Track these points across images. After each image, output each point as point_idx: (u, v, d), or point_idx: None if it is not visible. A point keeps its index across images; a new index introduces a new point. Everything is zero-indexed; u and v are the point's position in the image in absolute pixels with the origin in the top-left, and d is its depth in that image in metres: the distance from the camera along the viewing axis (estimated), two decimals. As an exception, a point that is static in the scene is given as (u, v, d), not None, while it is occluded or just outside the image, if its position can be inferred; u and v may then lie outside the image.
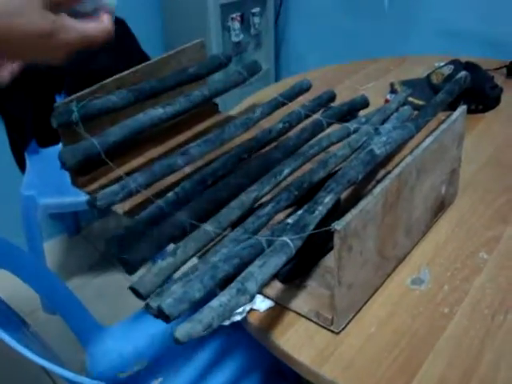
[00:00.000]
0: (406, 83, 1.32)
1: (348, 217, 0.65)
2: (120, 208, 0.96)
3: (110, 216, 2.23)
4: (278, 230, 0.76)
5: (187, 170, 1.03)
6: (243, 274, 0.63)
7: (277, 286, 0.79)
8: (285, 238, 0.70)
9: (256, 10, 1.94)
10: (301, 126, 1.07)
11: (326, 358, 0.71)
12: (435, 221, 0.92)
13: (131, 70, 1.11)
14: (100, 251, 2.08)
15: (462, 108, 0.89)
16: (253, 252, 0.70)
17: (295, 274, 0.80)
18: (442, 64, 1.35)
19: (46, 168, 1.78)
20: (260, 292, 0.78)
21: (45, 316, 1.84)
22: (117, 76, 1.08)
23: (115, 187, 0.90)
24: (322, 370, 0.70)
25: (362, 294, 0.76)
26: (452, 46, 1.50)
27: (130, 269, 0.77)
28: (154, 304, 0.64)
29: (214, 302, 0.59)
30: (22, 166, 1.80)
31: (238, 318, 0.76)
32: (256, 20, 1.95)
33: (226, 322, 0.74)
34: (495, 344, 0.71)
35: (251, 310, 0.77)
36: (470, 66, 1.32)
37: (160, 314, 0.61)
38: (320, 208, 0.71)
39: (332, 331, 0.74)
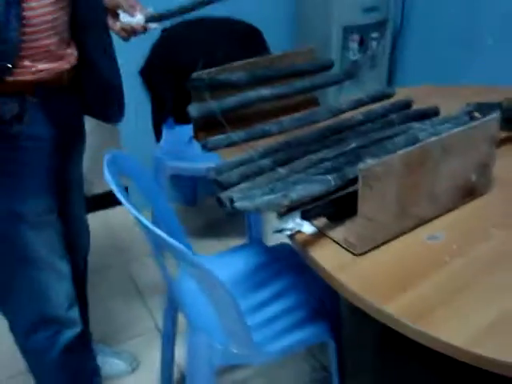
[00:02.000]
0: (480, 104, 1.52)
1: (371, 162, 0.91)
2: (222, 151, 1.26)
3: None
4: (328, 172, 1.03)
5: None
6: (291, 187, 0.92)
7: (322, 220, 1.07)
8: (328, 176, 0.97)
9: (375, 34, 2.22)
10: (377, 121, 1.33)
11: (344, 268, 0.97)
12: (464, 202, 1.14)
13: (252, 59, 1.43)
14: (209, 223, 2.42)
15: (495, 115, 1.11)
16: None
17: (337, 215, 1.07)
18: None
19: (176, 141, 2.17)
20: (308, 219, 1.05)
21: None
22: (240, 62, 1.40)
23: (222, 136, 1.23)
24: (339, 274, 0.96)
25: (382, 232, 1.01)
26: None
27: (223, 189, 1.07)
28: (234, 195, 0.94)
29: (267, 197, 0.88)
30: (158, 136, 2.20)
31: (287, 232, 1.04)
32: (374, 43, 2.23)
33: (278, 234, 1.03)
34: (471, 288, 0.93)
35: (299, 231, 1.05)
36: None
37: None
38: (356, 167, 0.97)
39: (354, 254, 0.99)
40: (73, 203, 1.37)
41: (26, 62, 1.05)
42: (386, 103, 1.41)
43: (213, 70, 1.36)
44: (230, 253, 1.55)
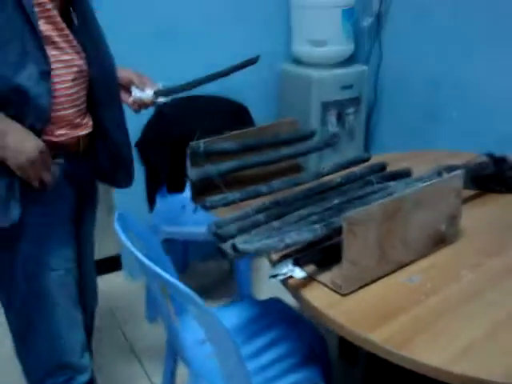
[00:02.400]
0: (449, 166, 1.70)
1: (354, 211, 1.06)
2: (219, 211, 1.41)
3: (212, 261, 2.69)
4: (315, 223, 1.17)
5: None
6: (285, 235, 1.06)
7: (312, 267, 1.20)
8: (316, 226, 1.12)
9: (351, 110, 2.44)
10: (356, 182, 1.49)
11: (332, 306, 1.10)
12: (437, 249, 1.29)
13: (242, 131, 1.60)
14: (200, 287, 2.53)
15: (459, 172, 1.28)
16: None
17: (324, 262, 1.20)
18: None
19: (170, 208, 2.30)
20: (299, 266, 1.18)
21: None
22: (232, 132, 1.57)
23: (219, 197, 1.38)
24: (329, 312, 1.08)
25: (365, 274, 1.14)
26: (504, 149, 1.84)
27: (222, 240, 1.21)
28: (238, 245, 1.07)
29: (265, 241, 1.02)
30: (151, 205, 2.34)
31: (281, 277, 1.16)
32: (350, 118, 2.44)
33: (273, 279, 1.15)
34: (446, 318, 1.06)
35: (291, 277, 1.18)
36: (501, 159, 1.68)
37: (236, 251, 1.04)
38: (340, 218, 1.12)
39: (340, 294, 1.12)
40: (85, 259, 1.48)
41: (48, 128, 1.20)
42: (363, 166, 1.58)
43: (208, 139, 1.52)
44: (224, 308, 1.65)
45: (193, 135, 1.52)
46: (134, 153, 2.33)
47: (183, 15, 2.36)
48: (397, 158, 1.77)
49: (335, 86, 2.35)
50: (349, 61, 2.48)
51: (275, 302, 1.66)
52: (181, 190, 2.43)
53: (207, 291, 2.48)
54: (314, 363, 1.42)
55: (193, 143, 1.49)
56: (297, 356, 1.44)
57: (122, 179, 1.46)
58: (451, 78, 2.20)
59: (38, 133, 1.16)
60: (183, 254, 2.56)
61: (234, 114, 2.26)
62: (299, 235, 1.08)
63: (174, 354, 1.56)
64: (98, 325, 2.24)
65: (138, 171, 2.39)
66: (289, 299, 1.63)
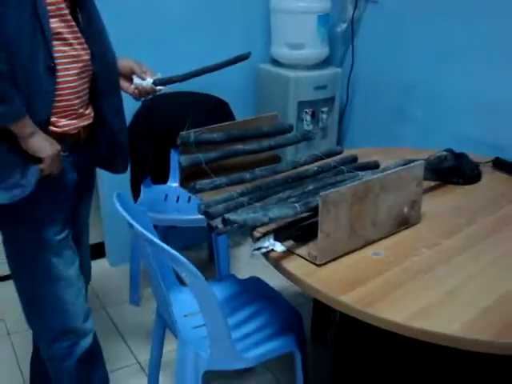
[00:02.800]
0: (411, 160, 1.88)
1: (328, 192, 1.23)
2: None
3: (192, 249, 2.84)
4: (294, 203, 1.33)
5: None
6: (269, 208, 1.22)
7: (291, 242, 1.36)
8: (296, 204, 1.28)
9: (325, 109, 2.61)
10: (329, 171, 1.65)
11: (309, 274, 1.26)
12: (401, 229, 1.46)
13: (228, 123, 1.75)
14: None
15: (420, 162, 1.45)
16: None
17: (302, 238, 1.36)
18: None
19: (153, 198, 2.44)
20: (279, 240, 1.34)
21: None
22: (219, 124, 1.72)
23: (207, 181, 1.53)
24: (307, 278, 1.24)
25: (338, 247, 1.30)
26: (461, 146, 2.02)
27: (211, 218, 1.36)
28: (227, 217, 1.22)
29: (250, 215, 1.18)
30: (135, 196, 2.47)
31: (263, 250, 1.32)
32: (324, 116, 2.61)
33: (256, 252, 1.31)
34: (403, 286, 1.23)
35: (272, 250, 1.33)
36: (460, 155, 1.87)
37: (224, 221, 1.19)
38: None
39: (316, 264, 1.28)
40: (83, 239, 1.61)
41: (54, 118, 1.33)
42: (336, 158, 1.75)
43: (198, 129, 1.66)
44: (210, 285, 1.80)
45: (177, 129, 1.66)
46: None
47: (170, 17, 2.51)
48: (367, 153, 1.94)
49: (310, 87, 2.52)
50: (324, 63, 2.66)
51: (254, 281, 1.81)
52: (164, 180, 2.58)
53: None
54: (289, 333, 1.58)
55: (183, 133, 1.63)
56: (274, 327, 1.59)
57: (119, 165, 1.59)
58: (418, 80, 2.39)
59: (45, 123, 1.29)
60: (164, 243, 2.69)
61: (216, 110, 2.41)
62: (281, 211, 1.24)
63: (163, 325, 1.70)
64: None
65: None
66: (266, 279, 1.80)
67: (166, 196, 2.46)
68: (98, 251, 2.75)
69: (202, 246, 2.83)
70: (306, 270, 1.28)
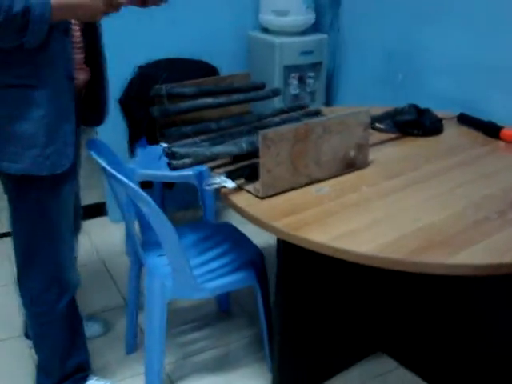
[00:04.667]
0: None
1: (268, 130, 1.36)
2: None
3: (189, 210, 3.00)
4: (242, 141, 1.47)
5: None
6: (215, 146, 1.36)
7: (241, 180, 1.50)
8: (242, 143, 1.42)
9: (311, 74, 2.73)
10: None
11: (252, 205, 1.40)
12: (348, 172, 1.59)
13: (200, 79, 1.89)
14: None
15: (366, 109, 1.58)
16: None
17: (251, 176, 1.50)
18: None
19: (148, 157, 2.60)
20: (231, 178, 1.48)
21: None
22: (192, 80, 1.86)
23: (174, 128, 1.68)
24: (248, 208, 1.38)
25: (280, 183, 1.44)
26: (437, 105, 2.12)
27: (173, 158, 1.50)
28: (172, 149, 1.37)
29: (194, 149, 1.32)
30: (132, 153, 2.64)
31: (215, 186, 1.46)
32: (311, 81, 2.73)
33: (208, 187, 1.45)
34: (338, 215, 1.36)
35: (224, 187, 1.48)
36: (423, 110, 1.98)
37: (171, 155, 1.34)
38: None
39: (259, 197, 1.42)
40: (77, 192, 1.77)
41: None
42: (300, 112, 1.88)
43: (170, 84, 1.81)
44: (182, 227, 1.94)
45: (163, 75, 1.80)
46: (117, 108, 2.65)
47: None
48: (340, 111, 2.05)
49: (296, 52, 2.64)
50: (311, 29, 2.77)
51: (226, 225, 1.97)
52: (159, 141, 2.73)
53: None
54: (251, 269, 1.73)
55: (156, 86, 1.78)
56: (236, 263, 1.74)
57: (96, 118, 1.71)
58: (400, 45, 2.48)
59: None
60: (160, 204, 2.86)
61: (206, 75, 2.54)
62: (225, 148, 1.39)
63: (137, 262, 1.87)
64: (82, 261, 2.57)
65: (121, 125, 2.70)
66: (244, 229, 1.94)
67: (160, 156, 2.61)
68: (101, 210, 2.94)
69: (199, 207, 2.98)
70: (249, 202, 1.42)
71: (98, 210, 2.93)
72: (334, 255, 1.25)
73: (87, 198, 2.81)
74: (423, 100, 2.19)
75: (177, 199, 2.94)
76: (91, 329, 2.04)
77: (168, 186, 2.83)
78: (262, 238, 1.88)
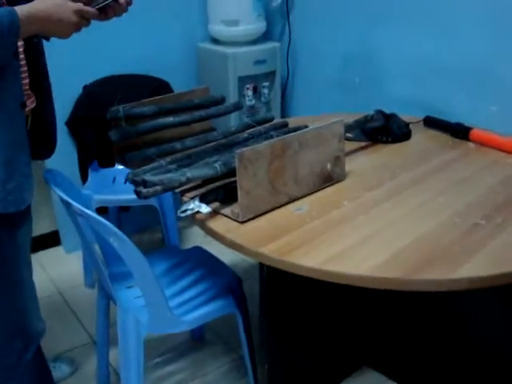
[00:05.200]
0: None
1: (244, 149, 1.27)
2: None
3: (146, 232, 2.87)
4: (216, 163, 1.38)
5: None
6: (187, 169, 1.26)
7: (216, 204, 1.40)
8: (215, 164, 1.32)
9: (266, 83, 2.65)
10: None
11: (231, 230, 1.30)
12: (325, 186, 1.51)
13: (159, 97, 1.78)
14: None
15: (340, 119, 1.51)
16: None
17: (227, 199, 1.40)
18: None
19: (101, 181, 2.46)
20: (205, 202, 1.38)
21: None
22: (150, 99, 1.75)
23: (137, 152, 1.56)
24: (229, 235, 1.28)
25: (259, 204, 1.35)
26: (399, 109, 2.08)
27: (138, 185, 1.39)
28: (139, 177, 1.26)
29: (167, 175, 1.21)
30: (83, 179, 2.49)
31: (189, 212, 1.36)
32: (265, 91, 2.66)
33: (182, 214, 1.35)
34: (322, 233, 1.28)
35: (198, 212, 1.37)
36: (390, 115, 1.93)
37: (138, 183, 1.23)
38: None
39: (239, 221, 1.33)
40: None
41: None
42: (267, 125, 1.79)
43: (128, 104, 1.69)
44: (151, 255, 1.82)
45: (117, 97, 1.68)
46: (65, 132, 2.50)
47: None
48: (305, 121, 1.98)
49: (249, 62, 2.56)
50: (263, 38, 2.69)
51: (197, 250, 1.86)
52: (112, 164, 2.60)
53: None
54: (229, 296, 1.63)
55: (113, 108, 1.66)
56: (213, 291, 1.64)
57: (44, 151, 1.51)
58: (355, 49, 2.44)
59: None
60: (117, 228, 2.71)
61: (156, 89, 2.43)
62: (200, 171, 1.29)
63: (105, 296, 1.73)
64: (40, 295, 2.40)
65: (70, 148, 2.55)
66: (211, 250, 1.84)
67: (114, 178, 2.49)
68: (53, 239, 2.76)
69: (156, 228, 2.85)
70: (229, 227, 1.32)
71: (50, 240, 2.76)
72: (328, 279, 1.17)
73: (38, 228, 2.65)
74: (384, 104, 2.15)
75: (134, 221, 2.80)
76: (59, 370, 1.90)
77: (124, 208, 2.69)
78: (228, 256, 1.78)
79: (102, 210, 2.51)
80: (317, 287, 1.58)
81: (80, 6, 1.23)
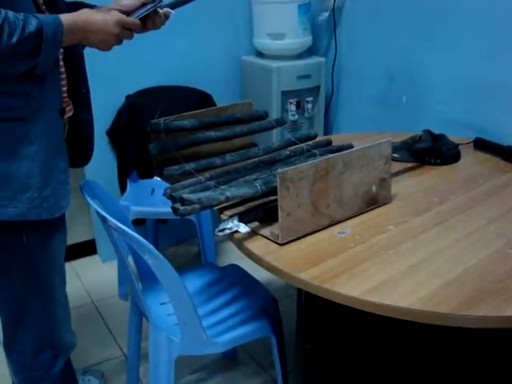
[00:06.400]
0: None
1: (286, 169, 1.22)
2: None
3: (182, 245, 2.84)
4: (256, 181, 1.33)
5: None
6: (226, 187, 1.21)
7: (255, 223, 1.35)
8: (256, 183, 1.27)
9: (310, 98, 2.60)
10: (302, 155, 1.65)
11: (270, 253, 1.25)
12: (370, 209, 1.45)
13: (200, 110, 1.75)
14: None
15: (388, 139, 1.44)
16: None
17: (266, 219, 1.35)
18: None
19: (140, 192, 2.45)
20: (244, 222, 1.33)
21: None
22: (192, 112, 1.72)
23: (176, 167, 1.53)
24: (268, 258, 1.23)
25: (300, 226, 1.29)
26: (446, 129, 2.00)
27: (176, 201, 1.35)
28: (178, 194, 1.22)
29: (206, 193, 1.17)
30: (122, 189, 2.48)
31: (227, 231, 1.31)
32: (309, 106, 2.60)
33: (220, 233, 1.30)
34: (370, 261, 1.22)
35: (237, 231, 1.33)
36: (438, 135, 1.85)
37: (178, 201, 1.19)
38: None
39: (278, 243, 1.27)
40: None
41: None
42: (309, 142, 1.74)
43: (168, 117, 1.66)
44: (187, 272, 1.79)
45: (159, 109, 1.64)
46: (106, 141, 2.49)
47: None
48: (348, 139, 1.92)
49: (294, 76, 2.51)
50: (307, 53, 2.65)
51: (233, 268, 1.81)
52: (151, 175, 2.57)
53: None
54: (264, 318, 1.57)
55: (153, 121, 1.63)
56: (248, 312, 1.59)
57: (81, 159, 1.50)
58: (401, 66, 2.37)
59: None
60: (154, 240, 2.69)
61: (199, 102, 2.40)
62: (239, 190, 1.24)
63: (138, 313, 1.70)
64: (73, 304, 2.39)
65: (110, 158, 2.54)
66: (246, 267, 1.79)
67: (153, 190, 2.47)
68: (90, 248, 2.76)
69: (193, 241, 2.82)
70: (268, 249, 1.27)
71: (87, 248, 2.75)
72: (372, 311, 1.11)
73: (75, 236, 2.65)
74: (430, 124, 2.08)
75: (171, 234, 2.77)
76: (88, 383, 1.87)
77: (161, 220, 2.67)
78: (263, 273, 1.72)
79: (139, 221, 2.49)
80: (358, 316, 1.51)
81: (122, 16, 1.21)
